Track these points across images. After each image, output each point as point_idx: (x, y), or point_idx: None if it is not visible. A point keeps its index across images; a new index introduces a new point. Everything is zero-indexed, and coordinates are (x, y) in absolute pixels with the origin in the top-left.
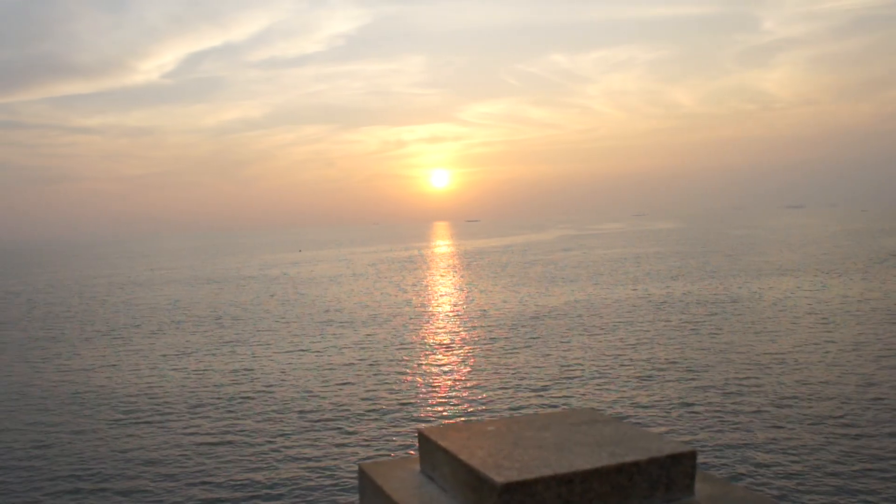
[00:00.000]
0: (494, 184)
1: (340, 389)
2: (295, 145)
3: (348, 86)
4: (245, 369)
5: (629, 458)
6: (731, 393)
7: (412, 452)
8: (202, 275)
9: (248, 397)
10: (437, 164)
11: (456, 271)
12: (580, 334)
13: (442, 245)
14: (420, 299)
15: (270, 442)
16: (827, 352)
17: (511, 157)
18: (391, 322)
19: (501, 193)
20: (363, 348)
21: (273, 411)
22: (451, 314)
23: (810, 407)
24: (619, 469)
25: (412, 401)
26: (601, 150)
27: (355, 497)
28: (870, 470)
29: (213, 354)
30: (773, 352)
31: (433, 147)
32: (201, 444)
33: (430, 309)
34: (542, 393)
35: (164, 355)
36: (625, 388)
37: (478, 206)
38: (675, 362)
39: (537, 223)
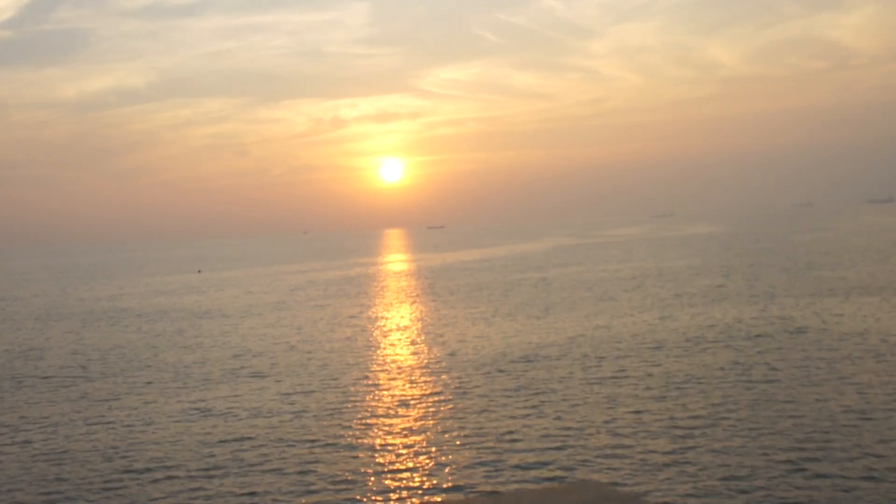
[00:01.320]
0: (465, 177)
1: (252, 469)
2: (191, 125)
3: (265, 43)
4: (119, 441)
5: None
6: (798, 469)
7: None
8: (58, 308)
9: (122, 484)
10: (387, 150)
11: (413, 297)
12: (583, 381)
13: (394, 261)
14: (364, 338)
15: None
16: None
17: (488, 141)
18: (324, 371)
19: (475, 190)
20: (285, 409)
21: (161, 500)
22: (407, 357)
23: None
24: None
25: (356, 481)
26: (611, 128)
27: None
28: None
29: (73, 421)
30: (858, 407)
31: (382, 127)
32: None
33: (379, 351)
34: (534, 462)
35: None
36: (644, 457)
37: (443, 207)
38: (715, 421)
39: (525, 229)
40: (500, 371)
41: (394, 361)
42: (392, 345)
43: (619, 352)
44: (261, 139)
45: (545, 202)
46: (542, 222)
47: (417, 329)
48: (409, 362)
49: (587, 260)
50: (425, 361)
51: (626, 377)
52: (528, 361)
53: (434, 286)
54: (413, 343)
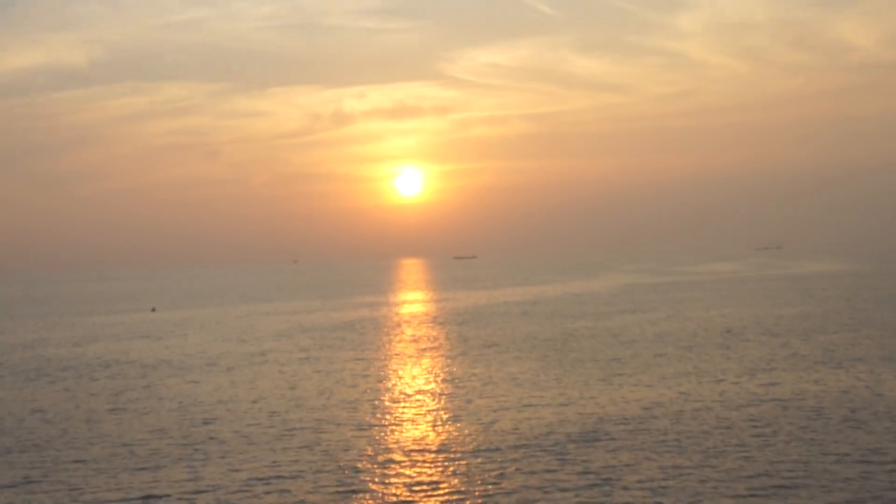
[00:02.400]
0: (507, 191)
1: None
2: (148, 118)
3: (248, 13)
4: None
5: None
6: None
7: None
8: None
9: None
10: (405, 154)
11: (435, 350)
12: (660, 470)
13: (411, 301)
14: (370, 404)
15: None
16: None
17: (538, 145)
18: (315, 450)
19: (519, 209)
20: (261, 502)
21: None
22: (426, 430)
23: None
24: None
25: None
26: (702, 131)
27: None
28: None
29: None
30: None
31: (399, 125)
32: None
33: (390, 422)
34: None
35: None
36: None
37: (476, 231)
38: None
39: (584, 262)
40: (549, 452)
41: (409, 437)
42: (406, 414)
43: (708, 429)
44: (239, 138)
45: (611, 227)
46: (607, 253)
47: (440, 393)
48: (429, 438)
49: (666, 304)
50: (450, 437)
51: (717, 465)
52: (586, 441)
53: (463, 336)
54: (434, 412)
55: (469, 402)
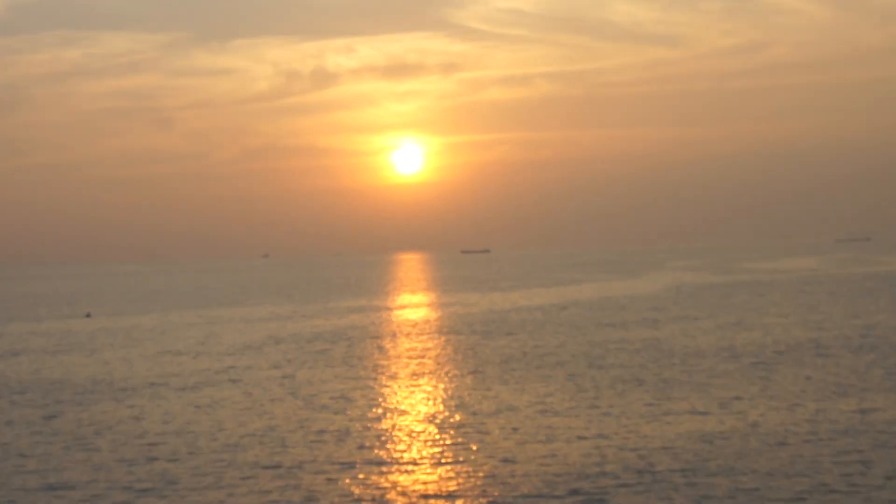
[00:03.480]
0: (529, 169)
1: None
2: (82, 77)
3: None
4: None
5: None
6: None
7: None
8: None
9: None
10: (403, 123)
11: (439, 367)
12: None
13: (409, 305)
14: (359, 434)
15: None
16: None
17: (568, 111)
18: (290, 494)
19: (542, 191)
20: None
21: None
22: (427, 467)
23: None
24: None
25: None
26: (773, 93)
27: None
28: None
29: None
30: None
31: (396, 86)
32: None
33: (382, 457)
34: None
35: None
36: None
37: (490, 218)
38: None
39: (624, 257)
40: (582, 496)
41: (406, 480)
42: (403, 451)
43: (782, 468)
44: (196, 102)
45: (657, 214)
46: (654, 246)
47: (446, 423)
48: (431, 483)
49: (727, 310)
50: (458, 481)
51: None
52: (628, 484)
53: (474, 349)
54: (438, 448)
55: (482, 435)
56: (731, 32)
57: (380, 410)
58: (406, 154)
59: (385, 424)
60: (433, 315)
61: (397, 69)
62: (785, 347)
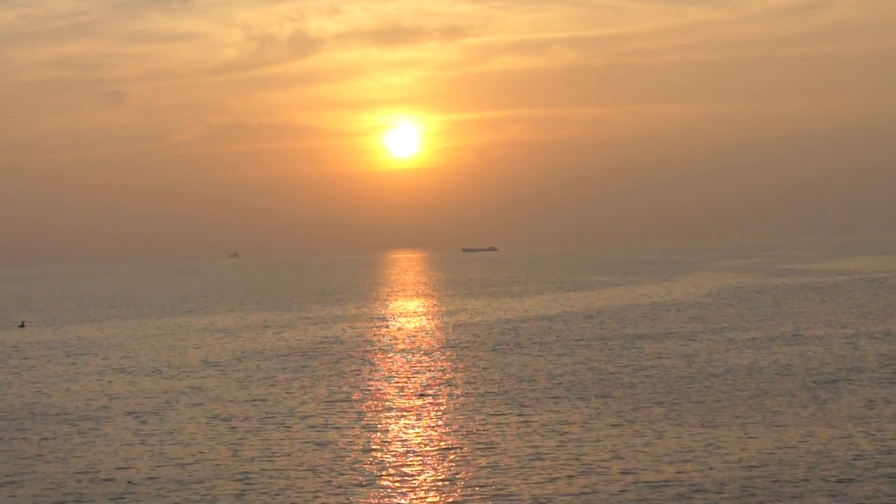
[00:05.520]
0: (544, 153)
1: None
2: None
3: None
4: None
5: None
6: None
7: None
8: None
9: None
10: (398, 98)
11: (443, 387)
12: None
13: (405, 314)
14: (350, 474)
15: None
16: None
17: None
18: None
19: (560, 178)
20: None
21: None
22: None
23: None
24: None
25: None
26: (838, 61)
27: None
28: None
29: None
30: None
31: (390, 55)
32: None
33: (380, 496)
34: None
35: None
36: None
37: (498, 210)
38: None
39: (655, 256)
40: None
41: None
42: (400, 488)
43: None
44: (153, 73)
45: (699, 205)
46: (692, 243)
47: (451, 454)
48: None
49: (780, 319)
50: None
51: None
52: None
53: (482, 366)
54: (442, 483)
55: (493, 468)
56: None
57: (371, 439)
58: (400, 135)
59: (377, 457)
60: (431, 326)
61: (391, 34)
62: (851, 364)
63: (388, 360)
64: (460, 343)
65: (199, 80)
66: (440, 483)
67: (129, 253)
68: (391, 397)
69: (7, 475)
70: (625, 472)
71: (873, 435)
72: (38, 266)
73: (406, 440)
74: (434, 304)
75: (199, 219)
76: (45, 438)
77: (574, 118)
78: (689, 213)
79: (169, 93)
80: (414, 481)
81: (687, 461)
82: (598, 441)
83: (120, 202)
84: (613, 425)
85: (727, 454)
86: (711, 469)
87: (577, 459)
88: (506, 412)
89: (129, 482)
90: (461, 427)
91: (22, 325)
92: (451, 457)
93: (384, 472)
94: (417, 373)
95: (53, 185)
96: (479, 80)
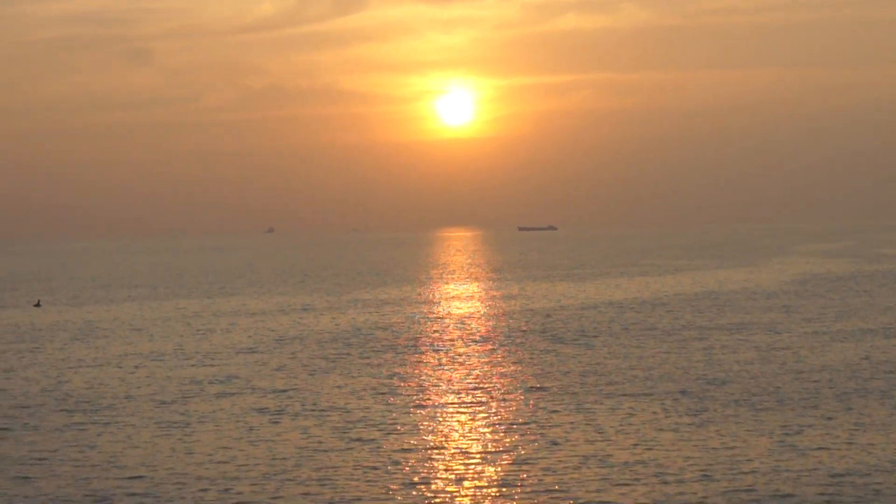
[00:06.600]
0: (613, 122)
1: None
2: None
3: None
4: None
5: None
6: None
7: None
8: None
9: None
10: (451, 61)
11: (499, 380)
12: None
13: (457, 298)
14: (399, 475)
15: None
16: None
17: (671, 47)
18: None
19: (630, 149)
20: None
21: None
22: None
23: None
24: None
25: None
26: None
27: None
28: None
29: None
30: None
31: (442, 13)
32: None
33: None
34: None
35: None
36: None
37: (560, 186)
38: None
39: (733, 237)
40: None
41: None
42: (456, 492)
43: None
44: (180, 30)
45: (784, 181)
46: (776, 224)
47: (510, 455)
48: None
49: (871, 310)
50: None
51: None
52: None
53: (541, 357)
54: (498, 488)
55: (552, 471)
56: None
57: (412, 441)
58: (453, 101)
59: (418, 460)
60: (484, 312)
61: None
62: None
63: (437, 350)
64: (517, 332)
65: (232, 38)
66: (494, 487)
67: (157, 227)
68: (440, 390)
69: (22, 467)
70: (700, 479)
71: None
72: (59, 242)
73: (456, 438)
74: (488, 288)
75: (231, 191)
76: (60, 428)
77: (645, 84)
78: (773, 189)
79: (198, 52)
80: (465, 484)
81: (768, 467)
82: (670, 443)
83: (144, 172)
84: (687, 425)
85: (813, 459)
86: (795, 476)
87: (645, 464)
88: (568, 409)
89: (152, 477)
90: (518, 425)
91: (37, 305)
92: (507, 458)
93: (432, 474)
94: (469, 364)
95: (71, 152)
96: (541, 40)
